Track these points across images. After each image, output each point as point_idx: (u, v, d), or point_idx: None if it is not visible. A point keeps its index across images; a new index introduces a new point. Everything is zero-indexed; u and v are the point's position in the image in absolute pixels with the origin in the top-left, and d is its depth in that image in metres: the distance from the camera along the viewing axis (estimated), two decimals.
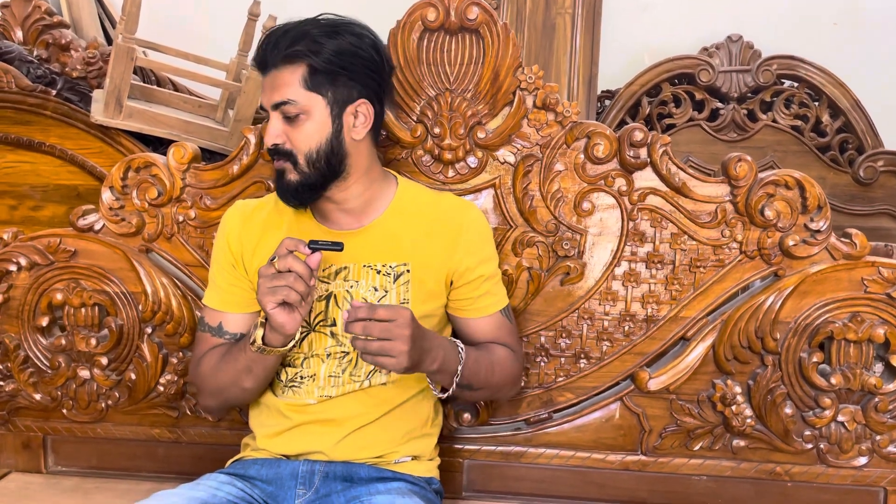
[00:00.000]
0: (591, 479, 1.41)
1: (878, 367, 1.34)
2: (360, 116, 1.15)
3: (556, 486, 1.42)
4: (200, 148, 1.48)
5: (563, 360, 1.40)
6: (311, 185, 1.14)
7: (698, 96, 2.36)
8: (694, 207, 1.33)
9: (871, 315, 1.30)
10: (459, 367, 1.13)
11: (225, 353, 1.18)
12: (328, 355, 1.18)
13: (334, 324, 1.18)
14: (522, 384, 1.40)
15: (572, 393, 1.41)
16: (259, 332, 1.09)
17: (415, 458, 1.21)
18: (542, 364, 1.41)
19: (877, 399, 1.31)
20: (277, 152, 1.14)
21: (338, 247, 1.07)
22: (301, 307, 1.06)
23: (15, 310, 1.44)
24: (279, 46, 1.11)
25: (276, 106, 1.12)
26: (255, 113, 1.94)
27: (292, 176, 1.14)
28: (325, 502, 1.12)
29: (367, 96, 1.15)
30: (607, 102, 2.45)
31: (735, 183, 1.31)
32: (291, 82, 1.11)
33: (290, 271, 1.04)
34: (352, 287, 1.18)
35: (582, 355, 1.39)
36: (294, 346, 1.12)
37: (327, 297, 1.18)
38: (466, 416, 1.41)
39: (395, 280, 1.18)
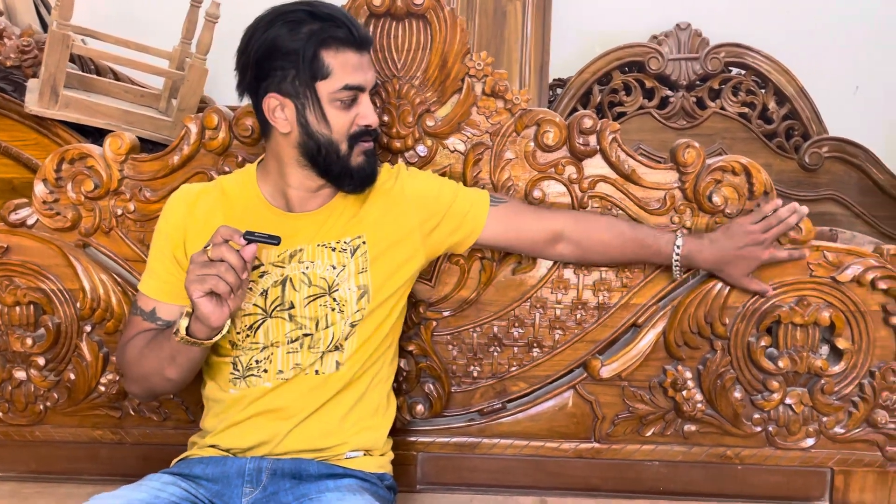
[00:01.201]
0: (546, 468, 1.41)
1: (825, 350, 1.36)
2: None
3: (511, 476, 1.41)
4: (143, 139, 1.43)
5: (515, 349, 1.39)
6: None
7: (648, 84, 2.38)
8: (643, 194, 1.33)
9: (817, 299, 1.32)
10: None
11: (151, 339, 1.14)
12: (289, 341, 1.16)
13: (292, 306, 1.15)
14: (476, 374, 1.39)
15: (525, 382, 1.40)
16: (183, 323, 1.05)
17: (366, 452, 1.19)
18: (496, 354, 1.40)
19: (823, 381, 1.33)
20: (373, 132, 1.16)
21: (274, 241, 1.03)
22: (230, 300, 1.03)
23: None
24: (361, 27, 1.14)
25: (375, 85, 1.18)
26: (200, 102, 1.89)
27: (375, 152, 1.19)
28: (273, 500, 1.10)
29: None
30: (559, 91, 2.45)
31: (683, 169, 1.31)
32: (372, 63, 1.17)
33: (222, 261, 1.00)
34: (307, 268, 1.16)
35: (535, 344, 1.39)
36: (220, 338, 1.08)
37: (283, 282, 1.16)
38: (420, 407, 1.40)
39: (352, 254, 1.17)
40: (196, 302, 1.01)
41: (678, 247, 1.26)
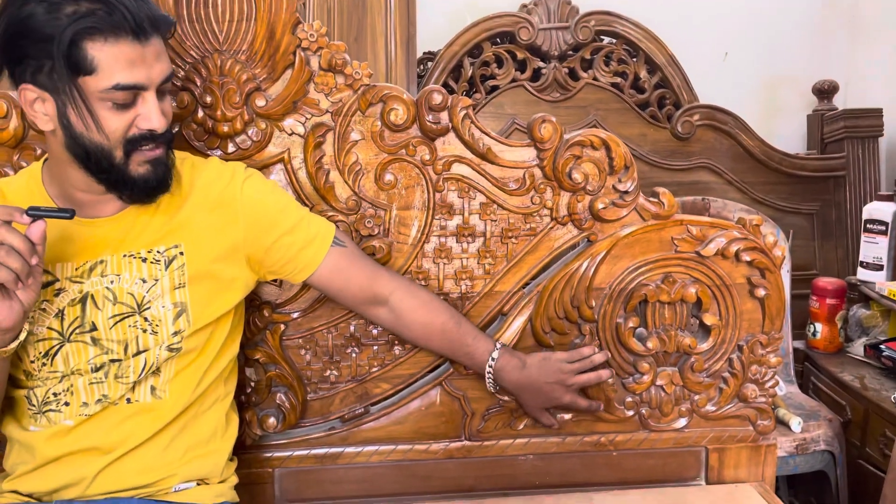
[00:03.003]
0: (415, 472, 1.31)
1: (693, 327, 1.32)
2: None
3: (379, 485, 1.30)
4: None
5: (375, 348, 1.28)
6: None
7: (520, 56, 2.29)
8: (501, 174, 1.24)
9: (683, 275, 1.27)
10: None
11: None
12: (93, 369, 0.99)
13: (94, 328, 0.99)
14: (334, 378, 1.27)
15: (388, 383, 1.29)
16: None
17: (200, 482, 1.05)
18: (354, 355, 1.28)
19: (692, 359, 1.29)
20: (163, 136, 0.96)
21: (66, 214, 0.89)
22: (20, 292, 0.87)
23: None
24: (147, 8, 0.92)
25: (165, 80, 0.95)
26: None
27: (167, 159, 0.99)
28: None
29: None
30: (430, 65, 2.33)
31: (541, 146, 1.22)
32: (164, 52, 0.95)
33: (1, 245, 0.84)
34: (112, 283, 1.00)
35: (396, 341, 1.28)
36: (17, 346, 0.92)
37: (83, 300, 0.99)
38: (271, 420, 1.26)
39: (166, 266, 1.01)
40: None
41: (493, 359, 1.19)
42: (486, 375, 1.20)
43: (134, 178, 0.96)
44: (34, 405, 1.01)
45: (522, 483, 1.32)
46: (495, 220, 1.25)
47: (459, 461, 1.31)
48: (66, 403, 1.00)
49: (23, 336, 0.92)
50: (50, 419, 1.00)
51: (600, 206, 1.24)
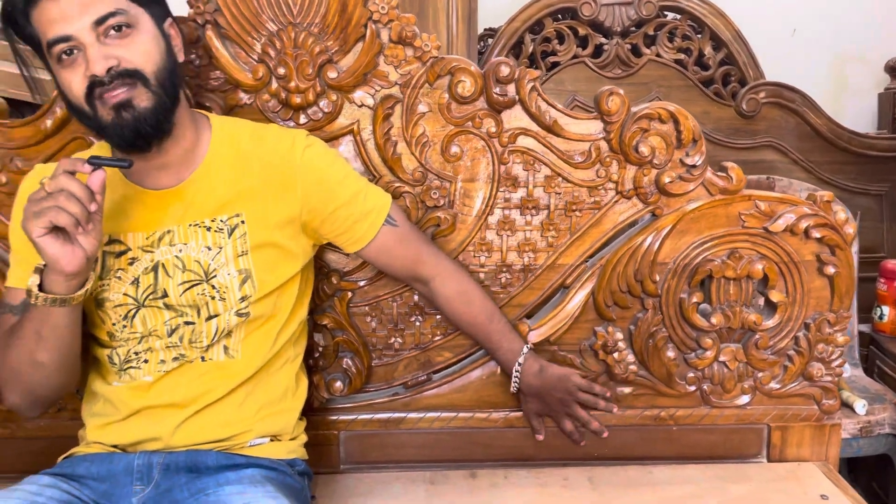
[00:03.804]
0: (476, 440, 1.33)
1: (759, 303, 1.31)
2: (174, 37, 1.02)
3: (440, 451, 1.34)
4: (14, 101, 1.28)
5: (438, 317, 1.30)
6: (166, 110, 0.97)
7: (582, 32, 2.27)
8: (567, 147, 1.24)
9: (750, 251, 1.26)
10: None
11: (14, 326, 1.00)
12: (168, 332, 1.04)
13: (165, 294, 1.03)
14: (398, 346, 1.31)
15: (450, 352, 1.32)
16: (34, 279, 0.92)
17: (273, 438, 1.10)
18: (418, 324, 1.31)
19: (757, 336, 1.28)
20: (120, 76, 0.93)
21: (124, 163, 0.92)
22: (81, 238, 0.89)
23: None
24: None
25: (101, 21, 0.92)
26: None
27: (145, 102, 0.95)
28: (167, 498, 1.00)
29: (170, 14, 1.03)
30: (490, 41, 2.33)
31: (608, 119, 1.22)
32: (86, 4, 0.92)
33: (62, 191, 0.87)
34: (180, 251, 1.04)
35: None
36: (85, 294, 0.95)
37: (154, 268, 1.04)
38: (338, 384, 1.30)
39: (229, 234, 1.05)
40: (37, 242, 0.88)
41: (520, 363, 1.23)
42: (513, 376, 1.24)
43: (107, 126, 0.95)
44: (115, 363, 1.06)
45: (581, 454, 1.33)
46: (560, 193, 1.26)
47: (519, 430, 1.33)
48: (146, 361, 1.06)
49: (89, 285, 0.95)
50: (131, 375, 1.06)
51: (667, 179, 1.23)
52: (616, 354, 1.29)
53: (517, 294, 1.29)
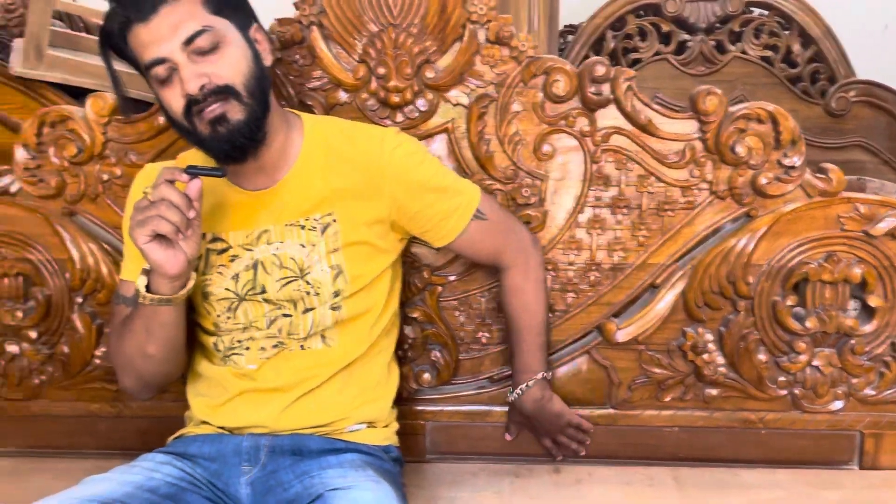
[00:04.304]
0: None
1: (854, 308, 1.28)
2: (260, 41, 1.05)
3: (523, 444, 1.35)
4: (133, 99, 1.35)
5: None
6: (258, 120, 1.00)
7: (665, 28, 2.25)
8: (661, 147, 1.24)
9: (847, 254, 1.23)
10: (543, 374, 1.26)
11: (126, 319, 1.08)
12: (268, 323, 1.09)
13: (264, 290, 1.08)
14: (485, 340, 1.33)
15: None
16: (142, 281, 0.99)
17: (369, 425, 1.14)
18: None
19: (853, 341, 1.26)
20: (213, 94, 0.97)
21: (218, 172, 0.98)
22: (182, 243, 0.95)
23: None
24: None
25: (190, 40, 0.95)
26: None
27: (239, 115, 0.98)
28: (273, 479, 1.05)
29: (255, 19, 1.06)
30: (570, 38, 2.33)
31: (704, 118, 1.22)
32: (194, 11, 0.96)
33: (163, 200, 0.93)
34: (277, 249, 1.08)
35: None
36: (187, 293, 1.01)
37: (254, 265, 1.08)
38: (426, 376, 1.34)
39: (322, 232, 1.09)
40: (143, 249, 0.94)
41: (528, 386, 1.25)
42: (515, 391, 1.26)
43: (206, 140, 1.00)
44: (220, 350, 1.12)
45: (666, 454, 1.33)
46: (652, 193, 1.26)
47: (603, 428, 1.34)
48: (247, 348, 1.11)
49: (191, 284, 1.01)
50: (235, 362, 1.11)
51: (763, 181, 1.22)
52: (706, 356, 1.28)
53: (606, 293, 1.30)
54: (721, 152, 1.22)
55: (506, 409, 1.34)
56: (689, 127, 1.23)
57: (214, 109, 0.97)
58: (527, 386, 1.24)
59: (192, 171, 0.96)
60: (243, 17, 1.03)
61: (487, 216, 1.16)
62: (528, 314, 1.23)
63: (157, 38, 0.95)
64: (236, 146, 1.00)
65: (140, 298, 0.99)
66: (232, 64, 0.99)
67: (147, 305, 1.00)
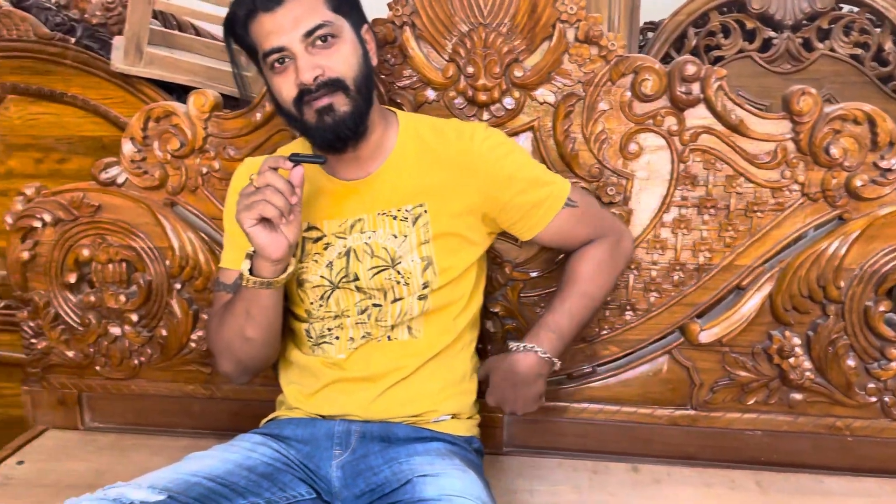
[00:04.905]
0: (637, 435, 1.35)
1: None
2: (369, 42, 1.10)
3: (601, 442, 1.36)
4: (225, 95, 1.41)
5: (607, 312, 1.33)
6: (362, 114, 1.06)
7: (749, 25, 2.20)
8: (752, 147, 1.23)
9: None
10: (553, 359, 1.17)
11: (227, 304, 1.13)
12: (358, 312, 1.13)
13: (357, 278, 1.12)
14: None
15: (617, 346, 1.34)
16: (245, 265, 1.03)
17: (454, 416, 1.16)
18: None
19: None
20: (325, 85, 1.02)
21: (320, 159, 1.02)
22: (285, 228, 1.00)
23: (42, 266, 1.41)
24: None
25: (310, 33, 1.01)
26: None
27: (345, 107, 1.04)
28: (363, 463, 1.08)
29: (367, 20, 1.11)
30: (650, 35, 2.30)
31: (798, 119, 1.20)
32: (315, 7, 1.02)
33: (268, 186, 0.98)
34: (370, 238, 1.12)
35: (628, 307, 1.32)
36: (287, 277, 1.05)
37: (347, 253, 1.12)
38: None
39: (413, 223, 1.12)
40: (249, 233, 0.99)
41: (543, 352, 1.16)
42: (522, 345, 1.16)
43: (312, 130, 1.05)
44: (311, 337, 1.16)
45: (747, 457, 1.32)
46: (741, 194, 1.25)
47: (683, 429, 1.33)
48: (337, 337, 1.15)
49: (291, 269, 1.05)
50: (324, 350, 1.16)
51: (858, 183, 1.19)
52: (792, 360, 1.26)
53: (690, 293, 1.29)
54: (814, 153, 1.20)
55: (584, 404, 1.35)
56: (781, 127, 1.21)
57: (323, 100, 1.03)
58: (542, 351, 1.15)
59: (295, 159, 1.01)
60: (357, 17, 1.08)
61: (578, 203, 1.17)
62: (572, 285, 1.18)
63: (280, 28, 1.01)
64: (340, 136, 1.05)
65: (243, 281, 1.04)
66: (344, 59, 1.04)
67: (249, 288, 1.04)
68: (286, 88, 1.04)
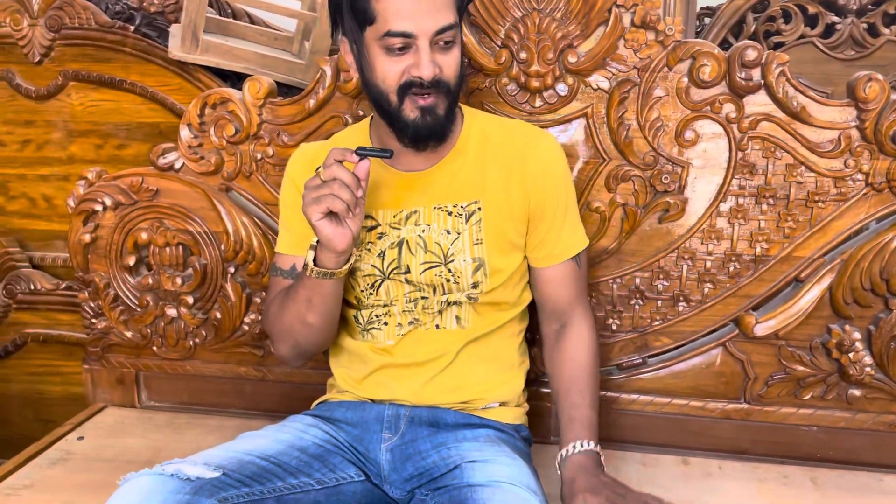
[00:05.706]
0: (688, 427, 1.33)
1: None
2: (463, 46, 1.09)
3: (651, 433, 1.35)
4: (277, 82, 1.43)
5: (659, 302, 1.31)
6: (452, 118, 1.07)
7: (811, 10, 2.13)
8: (813, 135, 1.19)
9: None
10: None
11: (288, 289, 1.13)
12: (406, 301, 1.14)
13: (408, 270, 1.12)
14: (615, 327, 1.33)
15: (669, 338, 1.32)
16: (310, 255, 1.04)
17: (503, 404, 1.16)
18: (637, 307, 1.32)
19: None
20: (435, 85, 1.00)
21: (386, 153, 1.00)
22: (349, 220, 1.00)
23: (103, 249, 1.45)
24: None
25: (440, 32, 0.98)
26: (333, 44, 1.87)
27: (443, 109, 1.03)
28: (412, 447, 1.09)
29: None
30: (707, 21, 2.25)
31: (863, 106, 1.16)
32: (450, 4, 1.00)
33: (335, 180, 0.98)
34: (423, 231, 1.12)
35: (681, 298, 1.30)
36: (349, 268, 1.05)
37: (399, 244, 1.12)
38: None
39: (466, 220, 1.11)
40: (316, 226, 0.99)
41: (575, 451, 1.07)
42: (561, 454, 1.09)
43: (407, 122, 1.03)
44: (360, 323, 1.17)
45: (802, 454, 1.29)
46: (801, 183, 1.21)
47: (736, 423, 1.31)
48: (385, 324, 1.16)
49: (353, 259, 1.06)
50: (374, 335, 1.16)
51: None
52: (852, 354, 1.23)
53: (745, 284, 1.26)
54: (880, 142, 1.16)
55: (634, 395, 1.34)
56: (845, 115, 1.17)
57: (430, 99, 1.02)
58: (566, 454, 1.08)
59: (362, 153, 1.00)
60: (461, 22, 1.06)
61: (581, 266, 1.17)
62: (563, 381, 1.16)
63: (416, 13, 0.97)
64: (432, 135, 1.05)
65: (307, 271, 1.05)
66: (456, 64, 1.03)
67: (312, 278, 1.05)
68: (394, 73, 1.01)
